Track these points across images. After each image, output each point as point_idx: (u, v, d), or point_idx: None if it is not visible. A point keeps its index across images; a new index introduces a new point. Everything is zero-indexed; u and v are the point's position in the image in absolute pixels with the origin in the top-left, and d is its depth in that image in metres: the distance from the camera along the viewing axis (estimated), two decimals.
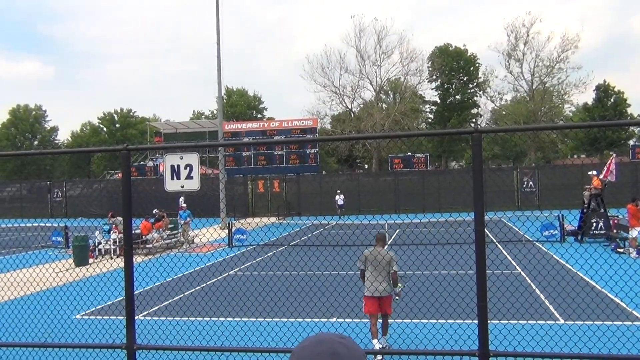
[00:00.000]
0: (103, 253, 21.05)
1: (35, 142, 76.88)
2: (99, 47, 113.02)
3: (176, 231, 24.74)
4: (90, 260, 19.52)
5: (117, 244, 21.01)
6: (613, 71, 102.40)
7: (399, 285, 8.67)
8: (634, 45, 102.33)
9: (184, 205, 24.61)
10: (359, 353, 1.43)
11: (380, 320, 8.69)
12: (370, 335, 8.53)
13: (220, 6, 31.92)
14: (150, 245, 21.92)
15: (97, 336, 9.57)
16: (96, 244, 20.91)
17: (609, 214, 20.18)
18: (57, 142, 79.42)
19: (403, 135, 5.94)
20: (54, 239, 24.09)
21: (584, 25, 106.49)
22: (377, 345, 8.33)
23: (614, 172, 20.21)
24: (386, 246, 9.09)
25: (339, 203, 37.31)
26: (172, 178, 5.69)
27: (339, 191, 37.94)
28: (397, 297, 8.81)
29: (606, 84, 60.81)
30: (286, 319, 10.21)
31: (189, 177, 5.69)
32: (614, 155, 22.75)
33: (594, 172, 21.09)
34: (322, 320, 9.86)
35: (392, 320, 9.45)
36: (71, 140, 78.48)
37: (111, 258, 20.49)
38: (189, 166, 5.68)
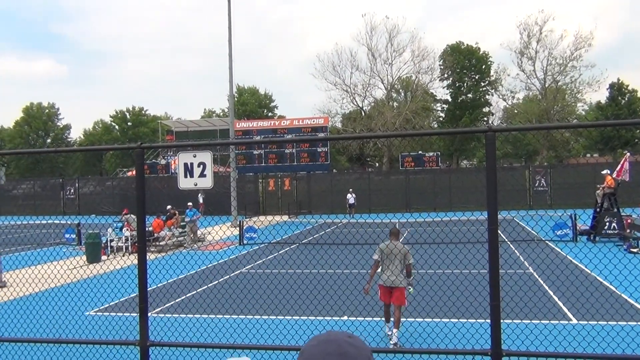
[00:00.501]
0: (115, 250, 21.21)
1: (48, 140, 77.64)
2: (111, 46, 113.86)
3: (188, 229, 24.85)
4: (103, 258, 19.65)
5: (130, 241, 21.16)
6: (627, 69, 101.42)
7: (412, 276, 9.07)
8: None
9: (190, 203, 24.29)
10: (366, 352, 1.45)
11: (392, 319, 8.82)
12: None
13: (232, 4, 32.00)
14: (164, 243, 22.05)
15: (111, 332, 9.65)
16: (108, 241, 21.06)
17: (622, 214, 20.00)
18: (69, 140, 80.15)
19: (416, 134, 5.94)
20: (66, 236, 24.29)
21: (597, 23, 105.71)
22: (387, 329, 8.80)
23: (627, 171, 20.02)
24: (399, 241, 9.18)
25: (350, 202, 37.22)
26: (186, 176, 5.74)
27: (351, 190, 37.80)
28: (409, 287, 9.03)
29: (620, 82, 60.31)
30: (298, 317, 10.23)
31: (202, 175, 5.73)
32: (628, 154, 22.52)
33: (607, 171, 20.91)
34: (333, 318, 9.88)
35: (405, 319, 9.46)
36: (83, 138, 79.17)
37: (123, 255, 20.63)
38: (202, 164, 5.72)
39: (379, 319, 9.89)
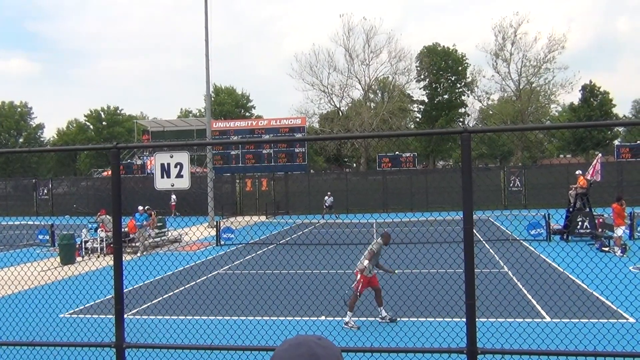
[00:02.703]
0: (90, 251, 20.92)
1: (21, 140, 76.20)
2: (86, 45, 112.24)
3: (165, 229, 24.60)
4: (78, 259, 19.38)
5: (105, 242, 20.89)
6: (599, 71, 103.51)
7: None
8: (620, 46, 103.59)
9: (140, 207, 22.14)
10: (335, 352, 1.51)
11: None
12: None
13: (210, 4, 31.82)
14: (139, 244, 21.80)
15: (86, 335, 9.53)
16: (83, 242, 20.76)
17: (594, 213, 20.39)
18: (42, 139, 78.77)
19: (392, 135, 5.98)
20: (40, 237, 23.89)
21: (570, 26, 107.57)
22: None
23: (599, 171, 20.41)
24: (385, 243, 10.30)
25: (327, 204, 37.12)
26: (162, 176, 5.71)
27: (329, 193, 37.45)
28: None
29: (592, 84, 61.40)
30: (276, 317, 10.24)
31: (179, 175, 5.71)
32: (600, 155, 22.99)
33: (580, 172, 21.30)
34: (311, 318, 9.90)
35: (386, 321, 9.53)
36: (57, 138, 77.84)
37: (98, 256, 20.37)
38: (179, 165, 5.70)
39: (356, 318, 9.95)
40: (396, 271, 10.41)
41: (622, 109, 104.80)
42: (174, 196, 38.34)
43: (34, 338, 8.82)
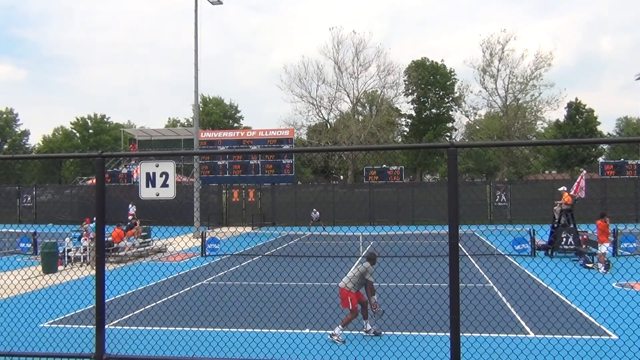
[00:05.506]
0: (73, 260, 20.66)
1: (5, 146, 75.46)
2: (74, 52, 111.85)
3: (149, 239, 24.36)
4: (60, 268, 19.13)
5: (88, 251, 20.64)
6: (584, 89, 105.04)
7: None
8: (604, 64, 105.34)
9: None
10: None
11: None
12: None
13: (199, 14, 31.86)
14: (123, 253, 21.59)
15: (65, 345, 9.37)
16: (66, 251, 20.50)
17: (578, 230, 20.54)
18: (27, 146, 78.07)
19: (380, 148, 6.01)
20: (22, 245, 23.58)
21: (557, 44, 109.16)
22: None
23: (584, 188, 20.60)
24: (372, 264, 10.00)
25: (313, 218, 37.05)
26: (148, 186, 5.66)
27: (315, 209, 37.45)
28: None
29: (577, 101, 62.21)
30: (259, 330, 10.16)
31: (164, 185, 5.66)
32: (584, 171, 23.21)
33: (565, 188, 21.48)
34: (295, 331, 9.83)
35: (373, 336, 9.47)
36: (42, 145, 77.20)
37: (81, 265, 20.12)
38: (165, 174, 5.66)
39: (342, 331, 9.89)
40: (382, 314, 9.95)
41: (606, 126, 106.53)
42: (133, 206, 35.77)
43: (12, 348, 8.67)
